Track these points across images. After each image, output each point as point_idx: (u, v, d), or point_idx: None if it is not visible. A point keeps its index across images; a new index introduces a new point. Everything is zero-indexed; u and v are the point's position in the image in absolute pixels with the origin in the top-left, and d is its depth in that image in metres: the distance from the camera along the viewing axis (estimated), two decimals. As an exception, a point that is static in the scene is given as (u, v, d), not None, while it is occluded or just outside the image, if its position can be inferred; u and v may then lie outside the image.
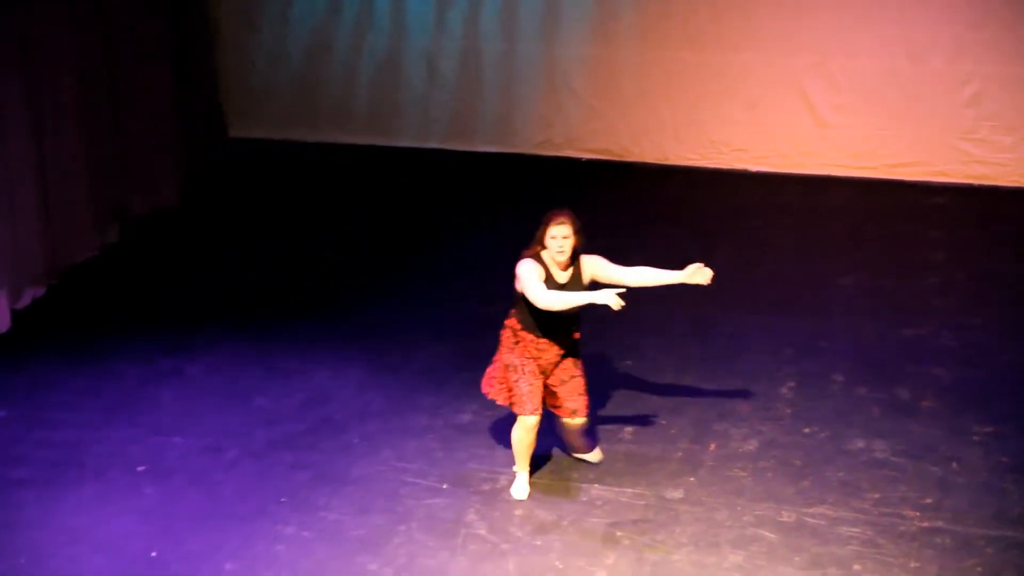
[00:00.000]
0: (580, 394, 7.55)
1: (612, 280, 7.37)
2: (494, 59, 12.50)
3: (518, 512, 7.41)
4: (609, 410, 8.42)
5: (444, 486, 7.66)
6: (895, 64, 11.69)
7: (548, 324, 7.33)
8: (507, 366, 7.47)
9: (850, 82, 11.84)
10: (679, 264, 10.60)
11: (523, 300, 7.27)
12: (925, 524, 7.26)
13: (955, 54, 11.55)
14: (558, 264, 7.28)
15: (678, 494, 7.57)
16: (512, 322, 7.45)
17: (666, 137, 12.28)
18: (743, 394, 8.55)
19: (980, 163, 11.61)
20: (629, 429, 8.20)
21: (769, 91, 11.98)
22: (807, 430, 8.17)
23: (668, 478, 7.71)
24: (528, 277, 7.16)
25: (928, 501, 7.46)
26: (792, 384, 8.68)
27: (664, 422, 8.23)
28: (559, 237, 7.23)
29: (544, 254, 7.29)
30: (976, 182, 11.65)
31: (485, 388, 7.64)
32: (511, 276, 10.24)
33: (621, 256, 10.42)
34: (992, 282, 10.02)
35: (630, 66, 12.23)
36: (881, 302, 9.80)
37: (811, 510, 7.40)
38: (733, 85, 12.10)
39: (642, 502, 7.49)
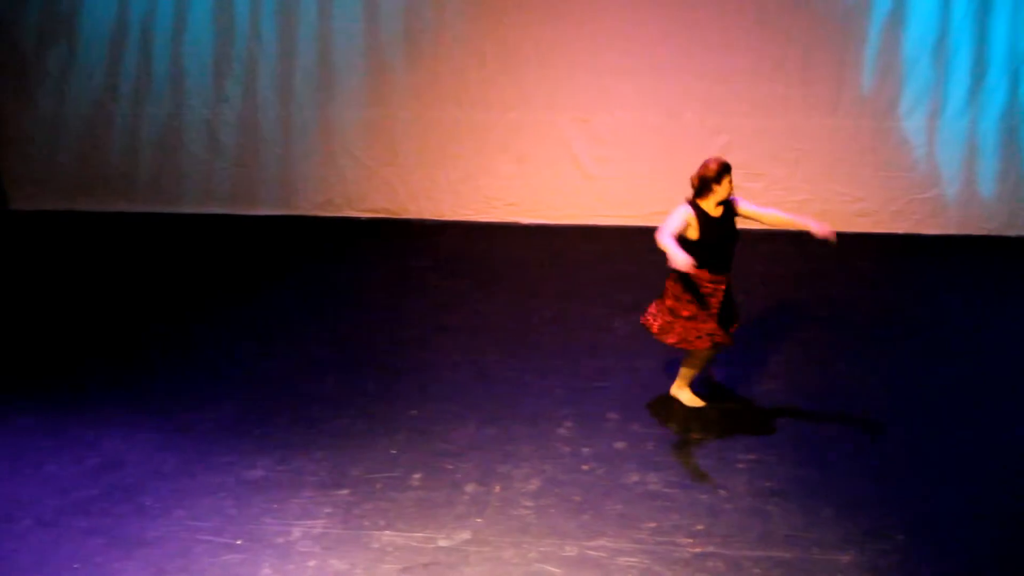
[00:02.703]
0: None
1: (752, 215, 8.83)
2: (272, 125, 12.66)
3: (311, 563, 7.51)
4: (396, 458, 8.61)
5: (238, 542, 7.71)
6: (652, 118, 12.26)
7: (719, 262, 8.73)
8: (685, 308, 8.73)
9: (612, 136, 12.36)
10: (460, 314, 11.01)
11: (694, 245, 8.54)
12: (698, 550, 7.60)
13: (706, 108, 12.15)
14: (717, 204, 8.64)
15: (466, 535, 7.77)
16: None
17: (442, 194, 12.61)
18: (524, 436, 8.83)
19: (733, 208, 12.26)
20: (417, 475, 8.39)
21: (537, 146, 12.43)
22: (585, 467, 8.48)
23: (456, 520, 7.91)
24: (673, 218, 8.51)
25: (700, 527, 7.82)
26: (570, 424, 9.00)
27: (450, 467, 8.47)
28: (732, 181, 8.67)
29: (703, 202, 8.61)
30: (731, 226, 12.27)
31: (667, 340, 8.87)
32: (297, 334, 10.50)
33: (405, 310, 10.74)
34: (749, 319, 10.48)
35: (405, 127, 12.54)
36: (649, 342, 10.04)
37: (592, 543, 7.68)
38: (503, 142, 12.47)
39: (432, 545, 7.68)
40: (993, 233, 12.12)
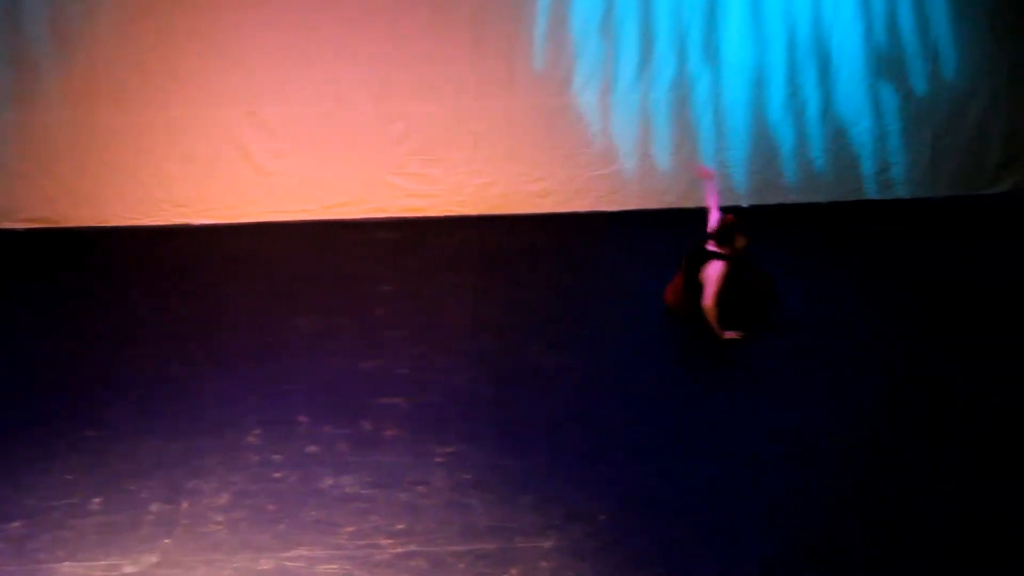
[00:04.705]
0: None
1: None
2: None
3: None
4: (74, 483, 8.15)
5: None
6: (327, 108, 11.94)
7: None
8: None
9: (285, 129, 11.98)
10: (135, 324, 10.50)
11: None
12: (399, 550, 7.51)
13: (381, 95, 11.92)
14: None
15: (154, 559, 7.46)
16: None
17: (105, 199, 11.98)
18: (210, 448, 8.50)
19: (414, 196, 12.06)
20: (97, 499, 7.98)
21: (204, 144, 11.92)
22: (277, 475, 8.23)
23: (142, 543, 7.57)
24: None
25: (400, 527, 7.72)
26: (258, 432, 8.71)
27: (133, 487, 8.07)
28: None
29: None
30: (412, 214, 12.06)
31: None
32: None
33: (75, 324, 10.17)
34: (429, 309, 10.43)
35: (60, 131, 11.84)
36: (337, 339, 9.99)
37: (289, 554, 7.48)
38: (167, 141, 11.97)
39: (117, 573, 7.34)
40: (672, 206, 12.33)
